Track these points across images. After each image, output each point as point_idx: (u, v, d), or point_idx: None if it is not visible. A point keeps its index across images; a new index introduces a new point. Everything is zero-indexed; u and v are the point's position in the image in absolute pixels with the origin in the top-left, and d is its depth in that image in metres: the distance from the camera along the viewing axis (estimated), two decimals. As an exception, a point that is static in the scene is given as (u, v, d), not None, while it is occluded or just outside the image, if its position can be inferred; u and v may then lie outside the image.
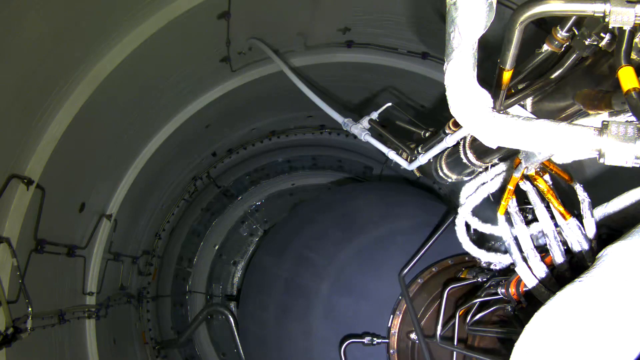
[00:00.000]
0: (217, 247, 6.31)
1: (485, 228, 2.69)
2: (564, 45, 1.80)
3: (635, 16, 1.31)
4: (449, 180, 2.94)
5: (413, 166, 3.21)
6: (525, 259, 2.29)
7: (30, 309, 2.85)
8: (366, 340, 3.48)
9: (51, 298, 3.34)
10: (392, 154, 3.35)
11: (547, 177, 2.32)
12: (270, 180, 6.53)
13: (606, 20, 1.34)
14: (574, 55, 1.76)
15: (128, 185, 4.04)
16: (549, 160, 2.27)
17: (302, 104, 4.25)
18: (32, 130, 2.80)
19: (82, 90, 2.90)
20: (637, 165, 1.36)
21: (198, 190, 5.83)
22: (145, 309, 5.48)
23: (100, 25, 2.82)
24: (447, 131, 2.77)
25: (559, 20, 1.76)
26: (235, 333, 5.08)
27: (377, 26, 4.06)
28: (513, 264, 2.35)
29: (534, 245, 2.33)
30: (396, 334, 3.51)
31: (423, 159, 3.03)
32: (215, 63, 3.91)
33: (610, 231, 2.12)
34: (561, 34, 1.76)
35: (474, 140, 2.57)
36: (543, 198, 2.28)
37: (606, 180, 2.94)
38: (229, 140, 5.32)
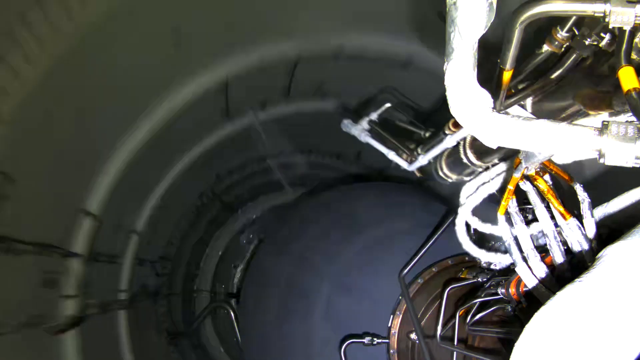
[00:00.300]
0: (220, 253, 7.35)
1: (485, 228, 2.69)
2: (564, 46, 1.81)
3: (635, 16, 1.31)
4: (449, 180, 2.95)
5: (413, 167, 3.21)
6: (525, 259, 2.29)
7: (91, 301, 4.20)
8: (366, 340, 3.48)
9: (98, 294, 4.48)
10: (392, 155, 3.35)
11: (547, 177, 2.32)
12: (266, 197, 7.44)
13: (606, 20, 1.34)
14: (574, 56, 1.76)
15: (150, 208, 5.28)
16: (549, 160, 2.27)
17: (292, 138, 5.72)
18: (91, 174, 4.03)
19: (127, 144, 4.16)
20: (637, 166, 1.36)
21: (204, 205, 6.78)
22: (161, 304, 6.46)
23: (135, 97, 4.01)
24: (447, 132, 2.78)
25: (558, 20, 1.76)
26: (235, 325, 5.66)
27: (349, 82, 4.96)
28: (513, 264, 2.35)
29: (534, 245, 2.33)
30: (396, 334, 3.51)
31: (423, 160, 3.04)
32: (217, 117, 5.07)
33: (611, 231, 2.12)
34: (561, 34, 1.77)
35: (474, 140, 2.58)
36: (543, 198, 2.28)
37: (606, 180, 2.94)
38: (230, 164, 6.40)
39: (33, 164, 3.16)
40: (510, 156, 2.54)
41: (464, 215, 2.80)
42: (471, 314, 2.81)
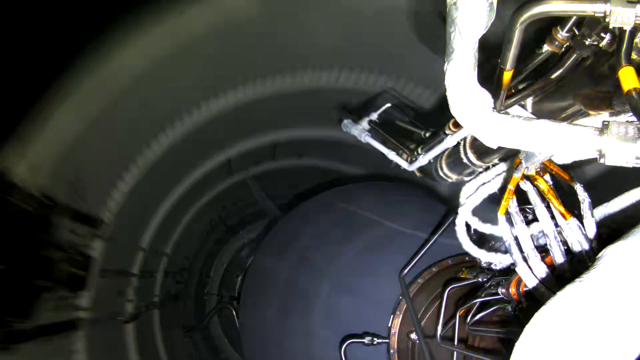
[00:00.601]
0: (225, 265, 9.10)
1: (486, 228, 2.69)
2: (564, 46, 1.80)
3: (636, 16, 1.31)
4: (450, 180, 2.94)
5: (413, 167, 3.21)
6: (525, 259, 2.29)
7: (141, 303, 6.39)
8: (366, 340, 3.48)
9: (144, 298, 6.63)
10: (392, 155, 3.35)
11: (547, 177, 2.32)
12: (262, 221, 8.94)
13: (606, 20, 1.34)
14: (574, 56, 1.76)
15: (176, 236, 7.29)
16: (549, 160, 2.27)
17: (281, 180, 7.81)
18: (145, 226, 6.22)
19: (167, 202, 6.34)
20: (638, 166, 1.36)
21: (213, 228, 8.79)
22: (179, 305, 8.37)
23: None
24: (447, 132, 2.78)
25: (559, 20, 1.76)
26: (237, 322, 7.02)
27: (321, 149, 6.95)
28: (513, 264, 2.35)
29: (534, 245, 2.33)
30: (396, 334, 3.51)
31: (423, 160, 3.03)
32: (223, 174, 7.02)
33: (611, 231, 2.12)
34: (561, 34, 1.76)
35: (474, 140, 2.57)
36: (543, 198, 2.28)
37: (606, 180, 2.95)
38: (234, 197, 8.22)
39: (123, 230, 5.21)
40: (511, 156, 2.54)
41: (464, 216, 2.80)
42: (471, 314, 2.81)
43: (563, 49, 1.82)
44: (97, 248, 4.73)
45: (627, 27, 1.34)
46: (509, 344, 2.55)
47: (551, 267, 2.24)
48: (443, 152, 2.90)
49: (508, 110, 1.99)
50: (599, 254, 1.53)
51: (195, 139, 5.18)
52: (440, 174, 2.98)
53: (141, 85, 4.02)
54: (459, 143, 2.68)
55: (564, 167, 2.33)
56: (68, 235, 4.18)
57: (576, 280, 1.49)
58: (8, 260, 3.58)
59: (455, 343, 2.93)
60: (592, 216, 2.15)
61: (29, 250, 3.78)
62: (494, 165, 2.69)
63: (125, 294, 5.99)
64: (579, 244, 2.12)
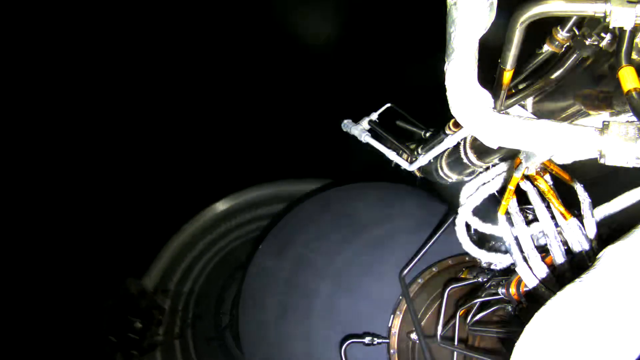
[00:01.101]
0: (235, 292, 11.18)
1: (486, 228, 2.69)
2: (565, 46, 1.80)
3: (636, 16, 1.31)
4: (450, 180, 2.94)
5: (413, 167, 3.21)
6: (525, 259, 2.29)
7: (183, 324, 9.60)
8: (367, 340, 3.48)
9: (183, 321, 9.62)
10: (392, 155, 3.35)
11: (547, 177, 2.32)
12: None
13: (607, 20, 1.34)
14: (575, 56, 1.76)
15: (201, 280, 9.79)
16: (550, 160, 2.27)
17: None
18: (189, 277, 9.92)
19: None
20: (638, 166, 1.36)
21: (225, 264, 10.86)
22: (203, 323, 10.82)
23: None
24: (447, 132, 2.78)
25: (559, 20, 1.76)
26: None
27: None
28: (513, 264, 2.35)
29: (534, 245, 2.33)
30: (397, 334, 3.51)
31: (423, 160, 3.03)
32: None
33: (611, 231, 2.12)
34: (561, 34, 1.76)
35: (474, 140, 2.58)
36: (543, 198, 2.28)
37: (606, 181, 2.94)
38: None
39: (177, 287, 9.07)
40: (511, 156, 2.54)
41: (464, 216, 2.80)
42: (471, 314, 2.81)
43: (563, 49, 1.82)
44: (167, 301, 8.80)
45: (627, 27, 1.34)
46: (509, 344, 2.55)
47: (551, 267, 2.23)
48: (443, 152, 2.90)
49: (508, 110, 1.99)
50: (599, 254, 1.53)
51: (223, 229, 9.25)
52: (441, 173, 2.98)
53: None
54: (459, 143, 2.68)
55: (564, 167, 2.33)
56: (158, 301, 8.59)
57: (576, 280, 1.49)
58: (142, 320, 8.07)
59: (456, 343, 2.93)
60: (592, 216, 2.15)
61: (147, 314, 8.27)
62: (494, 165, 2.69)
63: (175, 321, 9.36)
64: (579, 244, 2.12)
